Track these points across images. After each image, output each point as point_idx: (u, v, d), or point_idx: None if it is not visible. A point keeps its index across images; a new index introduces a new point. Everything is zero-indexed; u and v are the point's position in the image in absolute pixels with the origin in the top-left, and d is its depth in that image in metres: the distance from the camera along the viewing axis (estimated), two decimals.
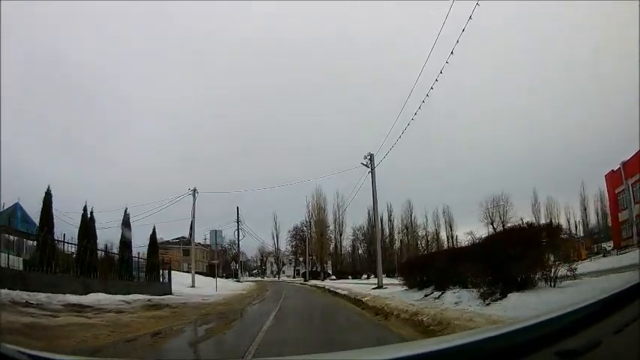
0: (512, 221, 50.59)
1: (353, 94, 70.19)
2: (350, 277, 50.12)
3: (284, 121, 71.09)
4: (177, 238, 60.18)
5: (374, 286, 16.57)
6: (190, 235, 21.97)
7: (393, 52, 64.14)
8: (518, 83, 61.53)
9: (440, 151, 63.47)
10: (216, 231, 19.96)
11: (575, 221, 47.75)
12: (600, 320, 1.22)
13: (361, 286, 19.18)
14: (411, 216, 58.59)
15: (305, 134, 69.73)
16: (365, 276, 51.70)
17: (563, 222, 39.38)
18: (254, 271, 71.98)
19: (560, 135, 50.86)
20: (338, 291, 17.54)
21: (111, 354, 4.90)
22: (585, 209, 47.94)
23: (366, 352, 1.71)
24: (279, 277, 63.65)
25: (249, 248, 67.13)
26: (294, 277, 61.82)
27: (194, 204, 22.38)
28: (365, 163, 18.24)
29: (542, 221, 42.76)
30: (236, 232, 38.37)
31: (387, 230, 58.35)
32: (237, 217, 38.40)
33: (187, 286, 21.45)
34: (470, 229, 53.70)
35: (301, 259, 51.35)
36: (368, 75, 69.42)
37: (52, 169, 43.32)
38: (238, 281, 32.47)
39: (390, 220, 58.14)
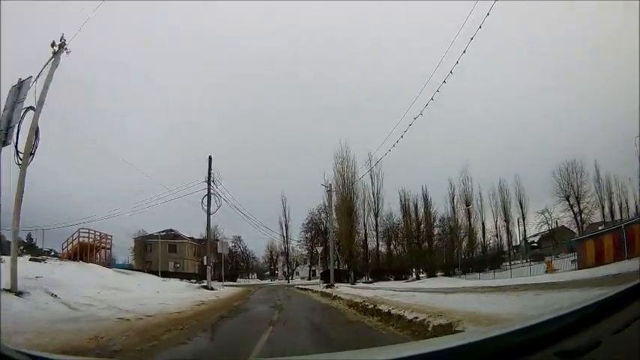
0: (589, 196, 37.18)
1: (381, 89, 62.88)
2: (392, 277, 34.42)
3: (284, 121, 68.53)
4: (162, 232, 48.91)
5: None
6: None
7: (399, 52, 61.32)
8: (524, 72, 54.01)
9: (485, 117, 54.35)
10: (20, 82, 4.97)
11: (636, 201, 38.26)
12: (600, 320, 1.19)
13: None
14: (453, 200, 41.23)
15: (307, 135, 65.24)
16: (412, 277, 36.03)
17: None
18: (266, 273, 63.59)
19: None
20: None
21: (110, 354, 4.40)
22: None
23: (366, 353, 1.66)
24: (289, 280, 48.43)
25: (259, 247, 59.11)
26: (309, 279, 46.13)
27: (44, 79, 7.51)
28: None
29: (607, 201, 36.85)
30: (205, 200, 21.40)
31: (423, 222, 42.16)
32: (209, 170, 22.02)
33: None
34: (544, 207, 38.13)
35: (320, 249, 34.60)
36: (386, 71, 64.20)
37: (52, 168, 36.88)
38: (207, 288, 16.85)
39: (426, 205, 40.42)
